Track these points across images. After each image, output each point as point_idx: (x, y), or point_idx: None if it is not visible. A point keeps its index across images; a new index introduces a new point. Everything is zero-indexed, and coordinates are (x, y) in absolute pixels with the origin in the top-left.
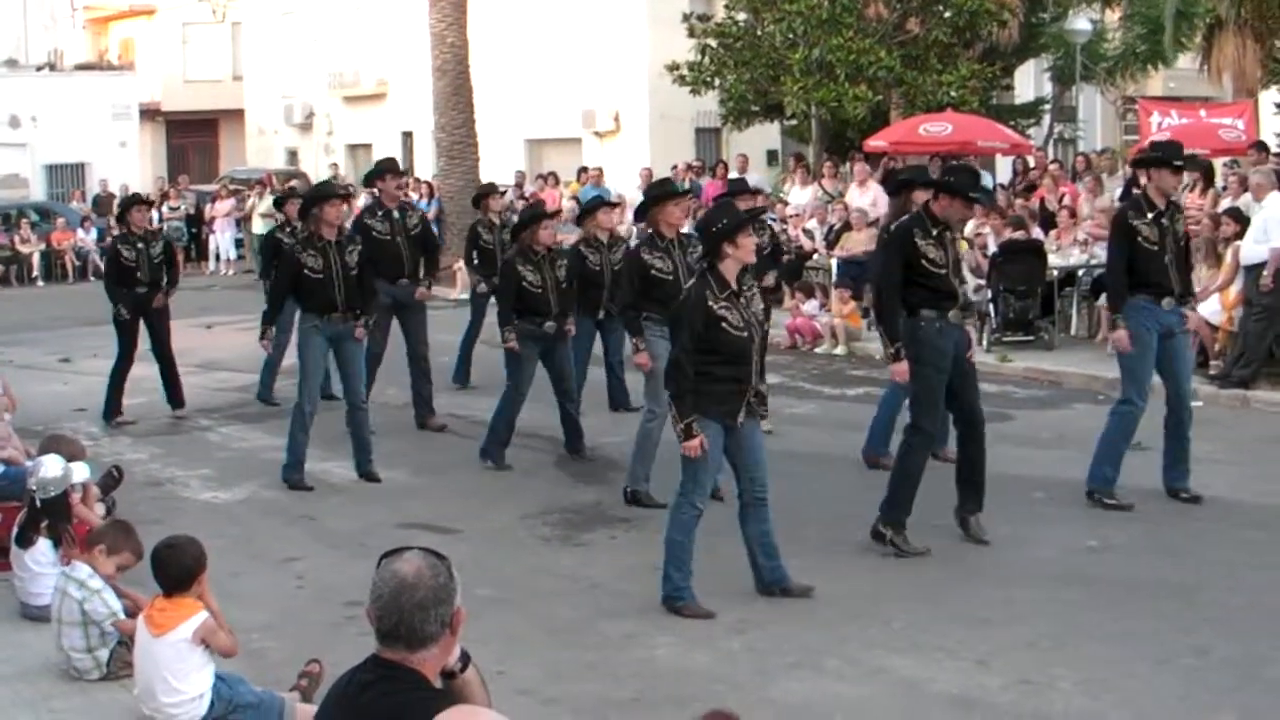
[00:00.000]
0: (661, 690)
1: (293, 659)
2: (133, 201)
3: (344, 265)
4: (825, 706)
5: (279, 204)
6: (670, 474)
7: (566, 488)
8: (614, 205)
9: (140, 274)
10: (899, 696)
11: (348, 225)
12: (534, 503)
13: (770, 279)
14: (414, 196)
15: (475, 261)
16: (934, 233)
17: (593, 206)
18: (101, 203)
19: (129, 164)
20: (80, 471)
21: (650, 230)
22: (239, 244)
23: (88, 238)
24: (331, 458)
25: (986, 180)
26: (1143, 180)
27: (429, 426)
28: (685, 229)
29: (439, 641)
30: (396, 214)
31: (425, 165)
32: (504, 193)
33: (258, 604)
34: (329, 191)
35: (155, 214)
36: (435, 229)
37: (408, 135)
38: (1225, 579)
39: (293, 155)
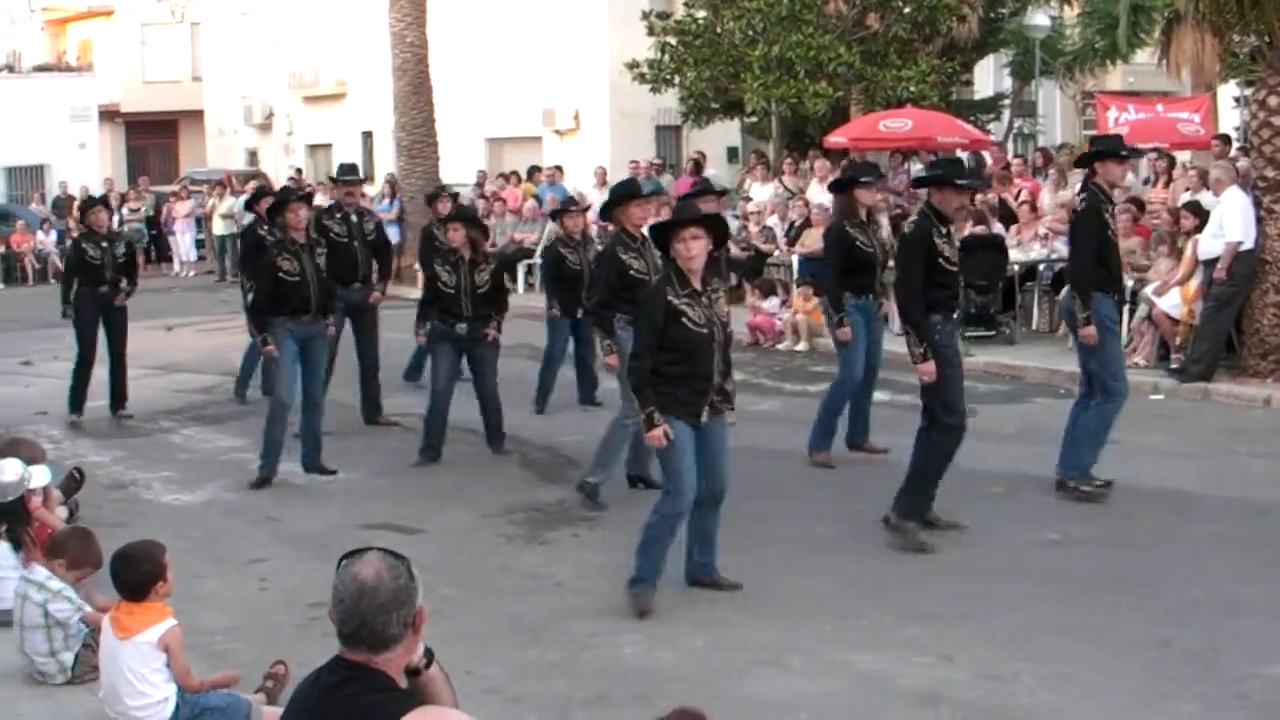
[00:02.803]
0: (627, 688)
1: (258, 661)
2: (92, 203)
3: (316, 267)
4: (790, 704)
5: (250, 204)
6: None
7: (529, 487)
8: (585, 209)
9: (106, 273)
10: (864, 693)
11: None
12: (496, 502)
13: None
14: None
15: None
16: (945, 231)
17: (562, 208)
18: (61, 205)
19: (88, 165)
20: (40, 475)
21: (618, 230)
22: (199, 245)
23: (47, 240)
24: (293, 459)
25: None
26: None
27: (379, 423)
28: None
29: (402, 642)
30: (355, 218)
31: (385, 164)
32: (456, 194)
33: (222, 606)
34: (288, 195)
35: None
36: (396, 229)
37: (368, 135)
38: (1186, 571)
39: (253, 156)
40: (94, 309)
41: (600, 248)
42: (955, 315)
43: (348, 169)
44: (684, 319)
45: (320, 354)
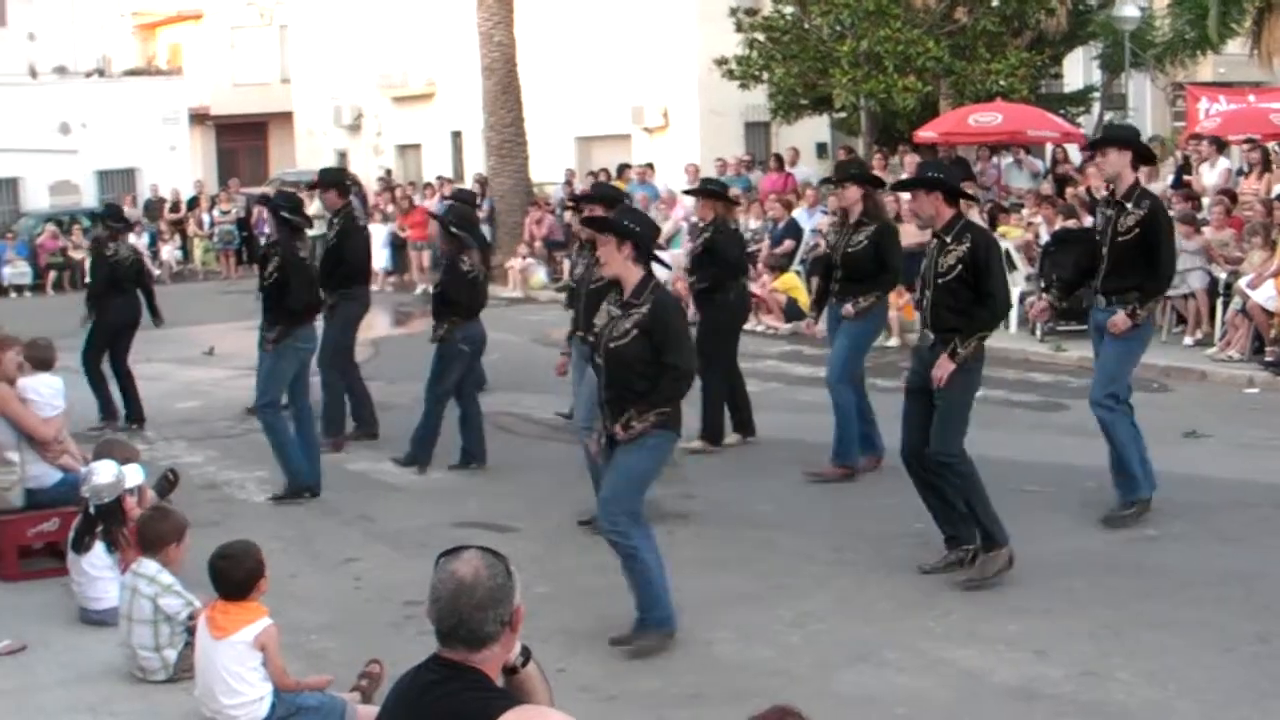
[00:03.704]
0: (721, 685)
1: (352, 660)
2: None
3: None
4: (887, 699)
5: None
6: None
7: None
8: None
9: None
10: (960, 688)
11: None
12: (589, 500)
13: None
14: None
15: None
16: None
17: None
18: (152, 208)
19: (179, 168)
20: (134, 475)
21: None
22: None
23: (139, 242)
24: (386, 458)
25: (1039, 167)
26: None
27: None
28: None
29: (499, 640)
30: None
31: (475, 164)
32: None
33: (317, 605)
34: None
35: (207, 216)
36: (488, 229)
37: (457, 135)
38: None
39: (342, 156)
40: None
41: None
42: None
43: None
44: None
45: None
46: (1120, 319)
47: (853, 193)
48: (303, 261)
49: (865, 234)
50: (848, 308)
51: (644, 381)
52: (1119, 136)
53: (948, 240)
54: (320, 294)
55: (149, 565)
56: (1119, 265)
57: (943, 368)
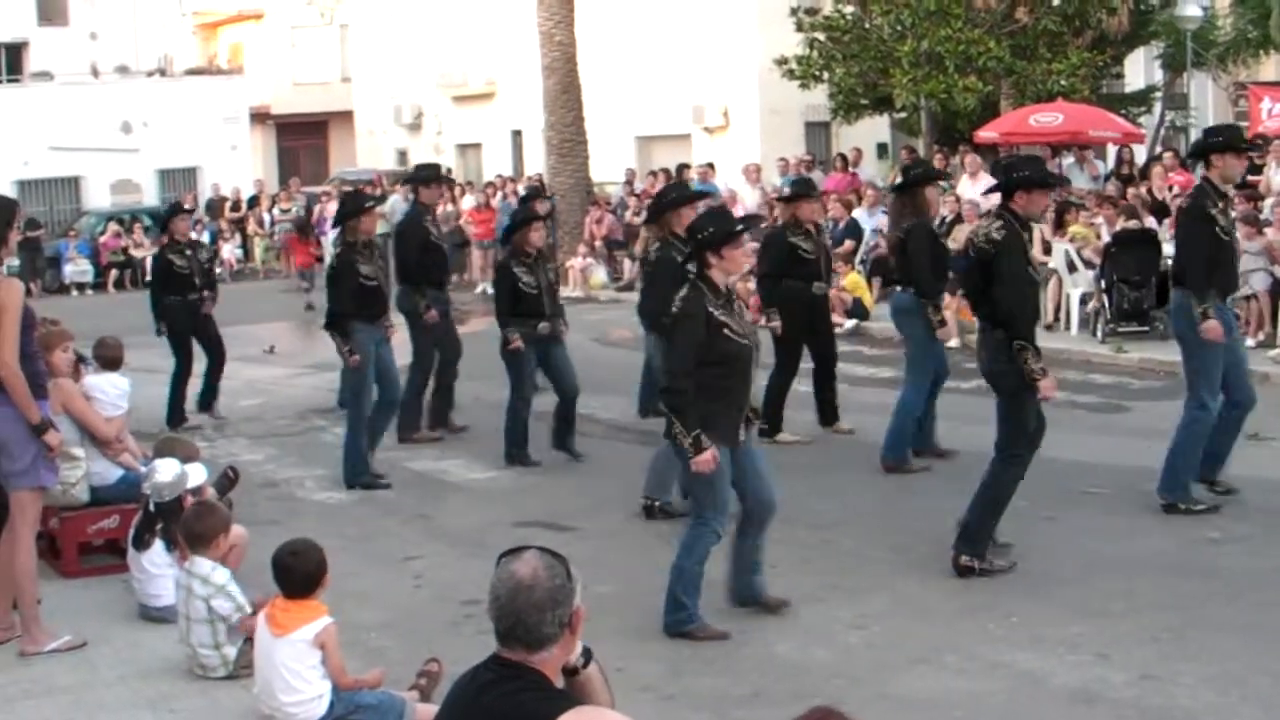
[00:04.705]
0: (781, 686)
1: (411, 658)
2: (175, 211)
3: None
4: (946, 702)
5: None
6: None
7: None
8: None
9: (196, 279)
10: (1020, 691)
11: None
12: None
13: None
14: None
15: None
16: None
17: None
18: (214, 207)
19: (240, 167)
20: (196, 474)
21: (668, 235)
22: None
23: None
24: (446, 456)
25: (1099, 169)
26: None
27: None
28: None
29: (558, 642)
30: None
31: (535, 164)
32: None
33: (376, 603)
34: (362, 203)
35: (268, 215)
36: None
37: (517, 134)
38: None
39: (402, 156)
40: (186, 319)
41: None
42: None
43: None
44: (726, 330)
45: (389, 357)
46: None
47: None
48: None
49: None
50: None
51: None
52: (1240, 142)
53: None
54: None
55: (202, 564)
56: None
57: None
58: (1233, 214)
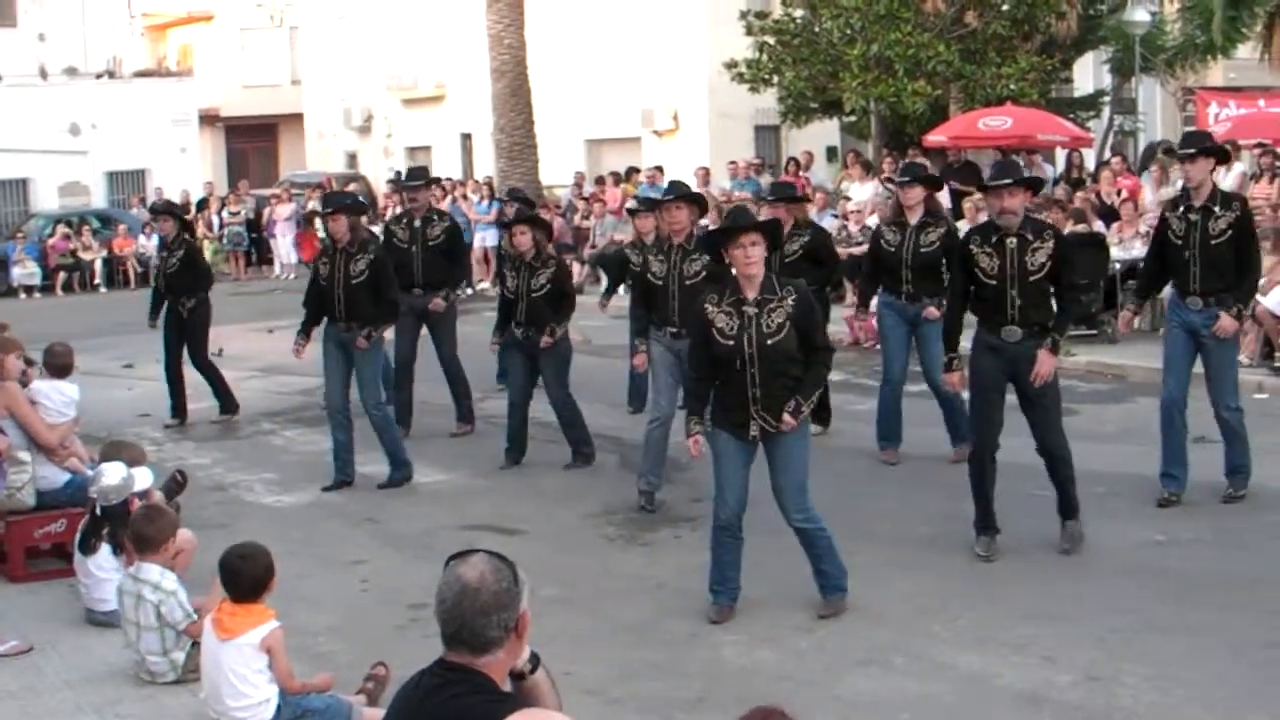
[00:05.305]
0: (728, 689)
1: (359, 662)
2: (157, 211)
3: (348, 275)
4: (893, 704)
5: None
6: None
7: (630, 488)
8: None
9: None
10: (966, 693)
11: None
12: (597, 503)
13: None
14: (474, 199)
15: None
16: (992, 239)
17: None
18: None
19: (189, 170)
20: (143, 477)
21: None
22: (299, 246)
23: (149, 244)
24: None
25: (1049, 173)
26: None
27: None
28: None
29: (504, 646)
30: (418, 223)
31: (485, 166)
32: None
33: (323, 607)
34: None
35: (216, 218)
36: (495, 232)
37: (467, 137)
38: None
39: (352, 158)
40: (169, 316)
41: None
42: (1006, 333)
43: (412, 173)
44: (713, 329)
45: (361, 362)
46: (1229, 322)
47: (916, 193)
48: None
49: (935, 235)
50: (932, 310)
51: (799, 368)
52: (1212, 147)
53: (1030, 238)
54: None
55: (150, 570)
56: (1213, 267)
57: (1046, 364)
58: (1216, 220)
